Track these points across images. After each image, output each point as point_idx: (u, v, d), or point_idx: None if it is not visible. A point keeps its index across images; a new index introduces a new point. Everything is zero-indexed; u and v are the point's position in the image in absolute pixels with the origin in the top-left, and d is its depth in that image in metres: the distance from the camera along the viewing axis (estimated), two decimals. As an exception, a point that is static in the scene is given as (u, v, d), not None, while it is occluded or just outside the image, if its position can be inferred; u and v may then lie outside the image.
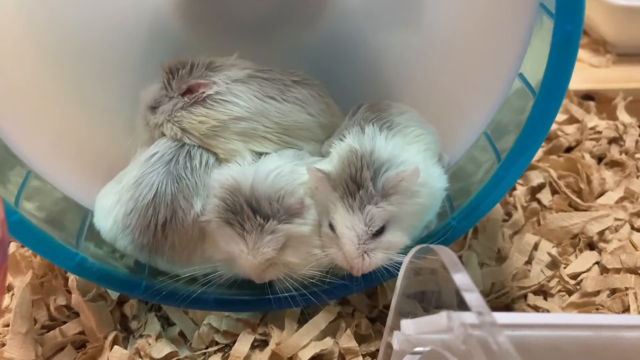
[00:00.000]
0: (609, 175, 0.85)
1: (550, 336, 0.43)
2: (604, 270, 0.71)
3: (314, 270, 0.59)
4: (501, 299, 0.68)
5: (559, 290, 0.70)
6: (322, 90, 0.65)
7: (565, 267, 0.72)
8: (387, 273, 0.57)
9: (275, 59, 0.65)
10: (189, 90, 0.60)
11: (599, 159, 0.89)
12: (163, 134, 0.61)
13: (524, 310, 0.67)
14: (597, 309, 0.67)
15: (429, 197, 0.59)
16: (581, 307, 0.67)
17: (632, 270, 0.70)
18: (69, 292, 0.66)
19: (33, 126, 0.65)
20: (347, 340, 0.61)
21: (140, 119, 0.63)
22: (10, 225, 0.51)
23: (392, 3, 0.67)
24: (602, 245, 0.74)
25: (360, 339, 0.62)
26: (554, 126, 0.92)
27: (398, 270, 0.55)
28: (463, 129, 0.68)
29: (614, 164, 0.88)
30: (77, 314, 0.65)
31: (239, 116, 0.60)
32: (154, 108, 0.62)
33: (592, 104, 0.98)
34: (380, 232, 0.56)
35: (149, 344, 0.62)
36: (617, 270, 0.70)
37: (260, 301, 0.62)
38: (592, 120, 0.95)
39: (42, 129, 0.66)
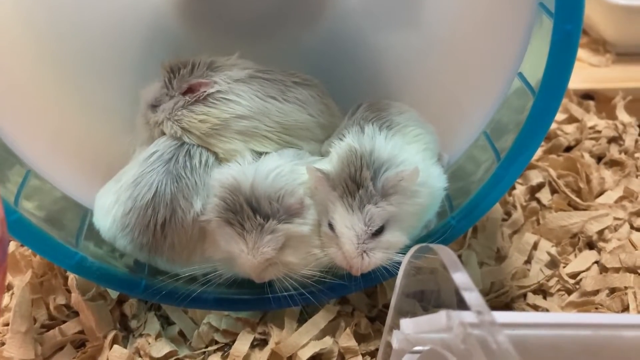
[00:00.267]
0: (608, 174, 0.85)
1: (550, 335, 0.43)
2: (604, 269, 0.71)
3: (314, 270, 0.59)
4: (500, 298, 0.68)
5: (559, 290, 0.70)
6: (322, 91, 0.65)
7: (564, 267, 0.72)
8: (387, 272, 0.57)
9: (275, 59, 0.65)
10: (190, 90, 0.60)
11: (599, 159, 0.89)
12: (163, 133, 0.61)
13: (523, 310, 0.67)
14: (596, 308, 0.67)
15: (428, 197, 0.59)
16: (580, 306, 0.67)
17: (632, 270, 0.70)
18: (69, 291, 0.66)
19: (32, 125, 0.65)
20: (346, 340, 0.61)
21: (140, 117, 0.63)
22: (9, 225, 0.51)
23: (391, 3, 0.67)
24: (601, 244, 0.74)
25: (360, 338, 0.62)
26: (553, 125, 0.92)
27: (397, 270, 0.56)
28: (463, 128, 0.68)
29: (614, 164, 0.88)
30: (76, 313, 0.65)
31: (241, 114, 0.60)
32: (154, 106, 0.62)
33: (591, 103, 0.98)
34: (379, 231, 0.56)
35: (149, 343, 0.62)
36: (617, 270, 0.70)
37: (259, 300, 0.62)
38: (592, 120, 0.95)
39: (42, 128, 0.66)
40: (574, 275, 0.71)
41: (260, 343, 0.63)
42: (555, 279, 0.70)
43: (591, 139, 0.92)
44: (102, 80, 0.67)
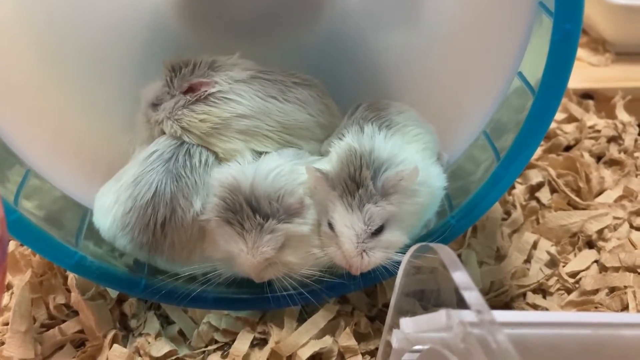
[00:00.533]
0: (607, 174, 0.85)
1: (549, 334, 0.43)
2: (603, 268, 0.71)
3: (313, 269, 0.59)
4: (500, 297, 0.68)
5: (558, 289, 0.70)
6: (322, 91, 0.65)
7: (564, 266, 0.72)
8: (386, 272, 0.57)
9: (275, 59, 0.65)
10: (191, 89, 0.61)
11: (598, 158, 0.89)
12: (163, 132, 0.61)
13: (523, 309, 0.67)
14: (596, 308, 0.67)
15: (428, 196, 0.59)
16: (580, 305, 0.67)
17: (631, 269, 0.70)
18: (68, 290, 0.66)
19: (32, 125, 0.65)
20: (346, 339, 0.61)
21: (140, 115, 0.63)
22: (9, 224, 0.51)
23: (391, 3, 0.67)
24: (601, 243, 0.74)
25: (360, 337, 0.62)
26: (553, 125, 0.92)
27: (397, 270, 0.56)
28: (462, 128, 0.68)
29: (613, 163, 0.88)
30: (76, 313, 0.65)
31: (242, 114, 0.60)
32: (155, 105, 0.62)
33: (591, 102, 0.99)
34: (379, 231, 0.56)
35: (149, 343, 0.62)
36: (616, 269, 0.70)
37: (259, 300, 0.62)
38: (591, 119, 0.95)
39: (41, 127, 0.66)
40: (573, 275, 0.71)
41: (260, 342, 0.63)
42: (555, 278, 0.70)
43: (591, 138, 0.92)
44: (102, 79, 0.67)
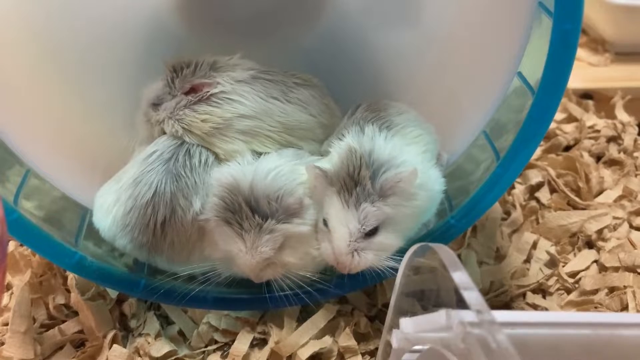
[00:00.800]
0: (607, 173, 0.85)
1: (549, 334, 0.43)
2: (603, 268, 0.71)
3: (313, 270, 0.59)
4: (500, 297, 0.68)
5: (558, 289, 0.70)
6: (322, 91, 0.65)
7: (563, 266, 0.72)
8: (377, 276, 0.57)
9: (275, 58, 0.65)
10: (193, 90, 0.61)
11: (598, 158, 0.89)
12: (163, 132, 0.61)
13: (522, 309, 0.67)
14: (595, 308, 0.67)
15: (426, 200, 0.59)
16: (580, 305, 0.67)
17: (631, 269, 0.70)
18: (68, 290, 0.66)
19: (32, 125, 0.65)
20: (346, 339, 0.61)
21: (140, 115, 0.63)
22: (9, 224, 0.51)
23: (391, 2, 0.67)
24: (600, 243, 0.74)
25: (359, 337, 0.62)
26: (552, 125, 0.92)
27: (387, 274, 0.56)
28: (462, 128, 0.68)
29: (613, 163, 0.88)
30: (76, 313, 0.65)
31: (244, 114, 0.60)
32: (156, 105, 0.62)
33: (590, 102, 0.99)
34: (373, 232, 0.56)
35: (148, 343, 0.62)
36: (616, 269, 0.71)
37: (259, 300, 0.62)
38: (591, 119, 0.95)
39: (41, 127, 0.66)
40: (573, 275, 0.71)
41: (259, 342, 0.63)
42: (555, 278, 0.70)
43: (590, 138, 0.92)
44: (102, 79, 0.67)
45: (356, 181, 0.56)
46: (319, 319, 0.62)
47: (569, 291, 0.69)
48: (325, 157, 0.62)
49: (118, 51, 0.67)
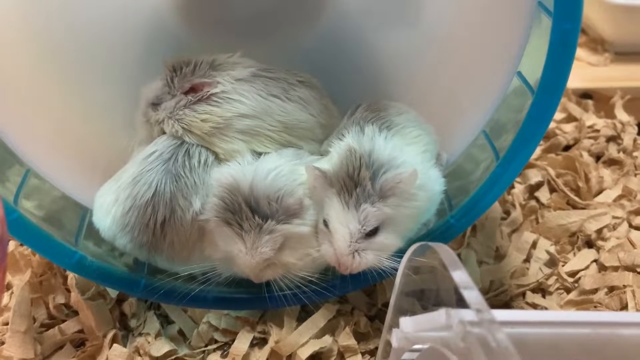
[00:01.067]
0: (607, 173, 0.85)
1: (549, 334, 0.43)
2: (602, 268, 0.71)
3: (313, 270, 0.59)
4: (500, 296, 0.68)
5: (557, 288, 0.70)
6: (321, 92, 0.65)
7: (563, 265, 0.72)
8: (378, 275, 0.57)
9: (275, 58, 0.65)
10: (193, 89, 0.60)
11: (597, 157, 0.89)
12: (163, 132, 0.61)
13: (522, 308, 0.67)
14: (595, 307, 0.67)
15: (426, 201, 0.59)
16: (579, 304, 0.67)
17: (630, 268, 0.70)
18: (68, 290, 0.66)
19: (32, 125, 0.65)
20: (346, 338, 0.61)
21: (139, 115, 0.63)
22: (9, 224, 0.51)
23: (391, 2, 0.67)
24: (600, 243, 0.74)
25: (359, 337, 0.62)
26: (552, 124, 0.92)
27: (387, 274, 0.56)
28: (462, 128, 0.68)
29: (612, 162, 0.88)
30: (76, 313, 0.65)
31: (244, 113, 0.60)
32: (155, 105, 0.62)
33: (590, 102, 0.99)
34: (373, 232, 0.56)
35: (148, 342, 0.62)
36: (615, 268, 0.71)
37: (259, 299, 0.62)
38: (590, 119, 0.95)
39: (41, 127, 0.66)
40: (572, 274, 0.71)
41: (259, 342, 0.63)
42: (554, 277, 0.70)
43: (590, 138, 0.92)
44: (102, 79, 0.67)
45: (356, 182, 0.56)
46: (318, 319, 0.62)
47: (568, 290, 0.69)
48: (325, 157, 0.62)
49: (118, 51, 0.67)
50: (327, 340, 0.61)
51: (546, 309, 0.67)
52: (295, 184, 0.58)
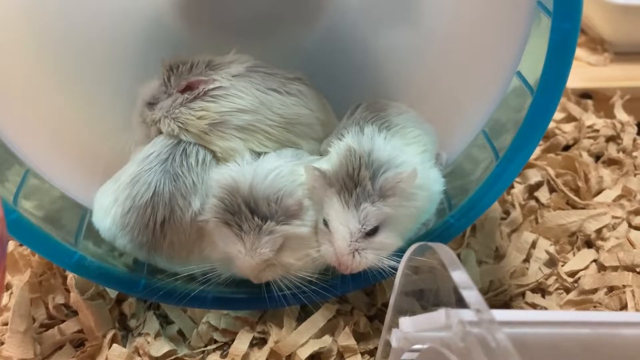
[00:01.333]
0: (606, 173, 0.85)
1: (549, 334, 0.43)
2: (602, 268, 0.71)
3: (312, 270, 0.59)
4: (499, 296, 0.68)
5: (557, 288, 0.70)
6: (317, 91, 0.65)
7: (563, 265, 0.72)
8: (379, 275, 0.57)
9: (274, 58, 0.65)
10: (189, 87, 0.60)
11: (597, 157, 0.89)
12: (160, 131, 0.61)
13: (522, 308, 0.67)
14: (594, 307, 0.67)
15: (425, 201, 0.59)
16: (579, 304, 0.67)
17: (630, 268, 0.70)
18: (68, 290, 0.66)
19: (31, 125, 0.65)
20: (345, 339, 0.61)
21: (136, 115, 0.63)
22: (8, 224, 0.51)
23: (390, 2, 0.67)
24: (599, 243, 0.74)
25: (359, 337, 0.62)
26: (551, 124, 0.92)
27: (388, 274, 0.56)
28: (461, 127, 0.68)
29: (612, 162, 0.88)
30: (75, 313, 0.65)
31: (242, 108, 0.60)
32: (151, 104, 0.62)
33: (589, 102, 0.99)
34: (373, 232, 0.56)
35: (148, 343, 0.62)
36: (615, 268, 0.71)
37: (258, 299, 0.62)
38: (590, 119, 0.95)
39: (40, 127, 0.66)
40: (572, 274, 0.71)
41: (259, 342, 0.63)
42: (554, 277, 0.70)
43: (589, 137, 0.92)
44: (101, 79, 0.67)
45: (356, 182, 0.56)
46: (318, 319, 0.62)
47: (568, 290, 0.69)
48: (324, 157, 0.62)
49: (118, 51, 0.67)
50: (326, 340, 0.61)
51: (546, 309, 0.67)
52: (294, 185, 0.58)
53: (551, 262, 0.72)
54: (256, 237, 0.56)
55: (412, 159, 0.59)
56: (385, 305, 0.60)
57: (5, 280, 0.64)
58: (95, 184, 0.63)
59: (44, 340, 0.63)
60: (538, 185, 0.83)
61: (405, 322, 0.46)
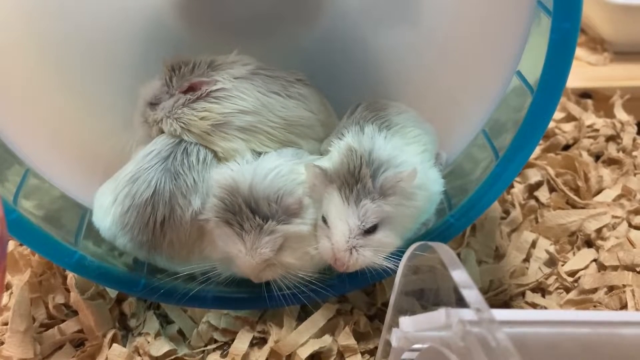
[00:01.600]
0: (606, 172, 0.85)
1: (549, 333, 0.43)
2: (602, 267, 0.71)
3: (312, 270, 0.59)
4: (499, 296, 0.68)
5: (557, 288, 0.70)
6: (319, 92, 0.65)
7: (563, 265, 0.72)
8: (377, 274, 0.57)
9: (274, 58, 0.65)
10: (191, 88, 0.60)
11: (597, 157, 0.89)
12: (161, 131, 0.61)
13: (522, 308, 0.67)
14: (594, 306, 0.67)
15: (425, 201, 0.59)
16: (579, 304, 0.67)
17: (630, 268, 0.70)
18: (68, 290, 0.66)
19: (31, 124, 0.65)
20: (345, 338, 0.61)
21: (137, 115, 0.63)
22: (8, 224, 0.51)
23: (390, 1, 0.67)
24: (599, 242, 0.74)
25: (359, 336, 0.62)
26: (551, 124, 0.92)
27: (387, 273, 0.56)
28: (461, 127, 0.68)
29: (612, 162, 0.88)
30: (75, 312, 0.65)
31: (244, 110, 0.60)
32: (153, 104, 0.62)
33: (589, 102, 0.99)
34: (372, 230, 0.56)
35: (148, 342, 0.62)
36: (615, 268, 0.71)
37: (258, 299, 0.62)
38: (590, 118, 0.95)
39: (40, 127, 0.66)
40: (572, 274, 0.71)
41: (259, 342, 0.63)
42: (554, 277, 0.70)
43: (589, 137, 0.92)
44: (101, 79, 0.67)
45: (357, 178, 0.56)
46: (318, 318, 0.62)
47: (568, 290, 0.69)
48: (325, 156, 0.62)
49: (118, 51, 0.67)
50: (326, 339, 0.61)
51: (546, 308, 0.67)
52: (294, 184, 0.58)
53: (551, 262, 0.72)
54: (257, 237, 0.56)
55: (412, 159, 0.59)
56: (385, 304, 0.60)
57: (5, 280, 0.64)
58: (95, 184, 0.63)
59: (44, 340, 0.63)
60: (538, 184, 0.83)
61: (405, 321, 0.46)
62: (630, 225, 0.77)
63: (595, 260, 0.72)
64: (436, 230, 0.62)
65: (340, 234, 0.55)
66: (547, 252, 0.73)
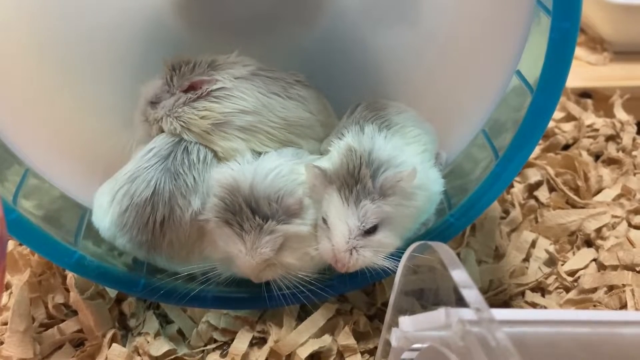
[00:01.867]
0: (606, 172, 0.85)
1: (548, 332, 0.43)
2: (601, 267, 0.71)
3: (312, 270, 0.59)
4: (499, 296, 0.68)
5: (557, 287, 0.70)
6: (318, 93, 0.65)
7: (562, 264, 0.72)
8: (377, 274, 0.57)
9: (274, 58, 0.65)
10: (192, 87, 0.60)
11: (596, 157, 0.89)
12: (161, 130, 0.61)
13: (521, 307, 0.67)
14: (594, 306, 0.67)
15: (425, 201, 0.59)
16: (579, 303, 0.67)
17: (629, 267, 0.70)
18: (67, 290, 0.66)
19: (31, 124, 0.65)
20: (345, 338, 0.61)
21: (138, 114, 0.63)
22: (8, 224, 0.51)
23: (389, 1, 0.67)
24: (599, 242, 0.74)
25: (359, 336, 0.62)
26: (551, 124, 0.92)
27: (386, 273, 0.56)
28: (461, 127, 0.68)
29: (611, 162, 0.88)
30: (75, 312, 0.65)
31: (244, 109, 0.60)
32: (154, 103, 0.62)
33: (589, 101, 0.99)
34: (372, 230, 0.56)
35: (148, 342, 0.62)
36: (614, 267, 0.71)
37: (258, 299, 0.62)
38: (589, 118, 0.95)
39: (40, 127, 0.66)
40: (572, 273, 0.71)
41: (259, 341, 0.63)
42: (554, 276, 0.70)
43: (589, 137, 0.92)
44: (101, 79, 0.67)
45: (356, 179, 0.56)
46: (318, 318, 0.62)
47: (567, 290, 0.69)
48: (325, 156, 0.62)
49: (118, 51, 0.67)
50: (326, 339, 0.61)
51: (545, 308, 0.67)
52: (295, 184, 0.58)
53: (551, 261, 0.72)
54: (257, 237, 0.56)
55: (412, 159, 0.59)
56: (385, 304, 0.60)
57: (5, 279, 0.64)
58: (95, 184, 0.63)
59: (43, 340, 0.63)
60: (538, 184, 0.83)
61: (405, 321, 0.46)
62: (630, 224, 0.77)
63: (595, 259, 0.72)
64: (436, 230, 0.62)
65: (340, 234, 0.55)
66: (547, 251, 0.73)
